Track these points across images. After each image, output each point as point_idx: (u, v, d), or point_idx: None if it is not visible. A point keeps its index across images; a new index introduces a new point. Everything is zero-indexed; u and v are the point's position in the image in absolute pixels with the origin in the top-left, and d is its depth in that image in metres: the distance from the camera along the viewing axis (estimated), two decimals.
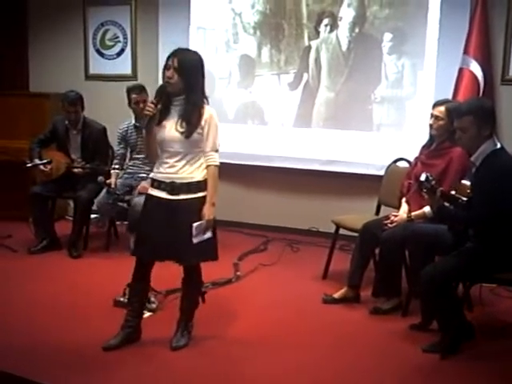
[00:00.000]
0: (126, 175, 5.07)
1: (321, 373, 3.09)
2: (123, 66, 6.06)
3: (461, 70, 4.75)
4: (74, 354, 3.19)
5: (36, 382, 2.89)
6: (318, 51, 5.43)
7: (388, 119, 5.29)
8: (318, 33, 5.40)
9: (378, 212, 4.56)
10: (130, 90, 4.96)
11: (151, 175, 3.31)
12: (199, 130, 3.08)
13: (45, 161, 4.93)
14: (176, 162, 3.11)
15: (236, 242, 5.33)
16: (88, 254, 4.96)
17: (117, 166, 5.03)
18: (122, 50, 6.08)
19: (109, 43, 6.12)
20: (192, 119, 3.06)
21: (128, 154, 5.14)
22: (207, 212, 3.09)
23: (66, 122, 5.04)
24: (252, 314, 3.82)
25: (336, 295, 4.01)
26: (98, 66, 6.19)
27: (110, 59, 6.14)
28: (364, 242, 3.98)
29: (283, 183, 5.72)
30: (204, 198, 3.11)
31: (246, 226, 5.73)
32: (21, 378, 2.92)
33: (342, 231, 4.46)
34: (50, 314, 3.71)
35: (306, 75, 5.49)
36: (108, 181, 4.86)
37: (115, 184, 4.88)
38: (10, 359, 3.09)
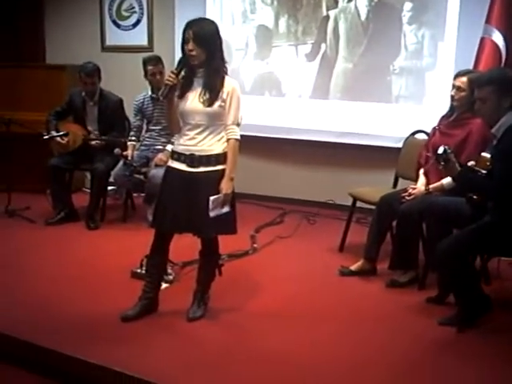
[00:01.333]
0: (142, 147, 5.07)
1: (336, 345, 3.09)
2: (139, 36, 6.02)
3: (482, 40, 4.63)
4: (91, 324, 3.22)
5: (51, 350, 2.94)
6: (336, 21, 5.35)
7: (407, 91, 5.21)
8: (336, 2, 5.32)
9: (395, 185, 4.52)
10: (146, 62, 4.93)
11: (171, 147, 3.30)
12: (221, 103, 3.05)
13: (62, 133, 4.94)
14: (197, 134, 3.09)
15: (253, 214, 5.32)
16: (105, 226, 4.99)
17: (133, 138, 5.03)
18: (138, 21, 6.04)
19: (125, 14, 6.08)
20: (214, 86, 3.03)
21: (144, 126, 5.14)
22: (225, 186, 3.08)
23: (83, 94, 5.03)
24: (268, 286, 3.82)
25: (352, 268, 4.00)
26: (114, 37, 6.15)
27: (126, 30, 6.10)
28: (381, 215, 3.96)
29: (300, 155, 5.69)
30: (223, 171, 3.10)
31: (262, 199, 5.72)
32: (34, 344, 2.98)
33: (358, 204, 4.44)
34: (66, 284, 3.75)
35: (323, 46, 5.42)
36: (125, 153, 4.86)
37: (132, 156, 4.89)
38: (27, 328, 3.13)
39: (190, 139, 3.10)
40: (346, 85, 5.39)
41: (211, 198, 3.04)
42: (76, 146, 4.99)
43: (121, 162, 4.87)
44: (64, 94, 5.33)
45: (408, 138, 4.60)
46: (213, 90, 3.03)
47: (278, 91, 5.66)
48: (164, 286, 3.57)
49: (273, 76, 5.65)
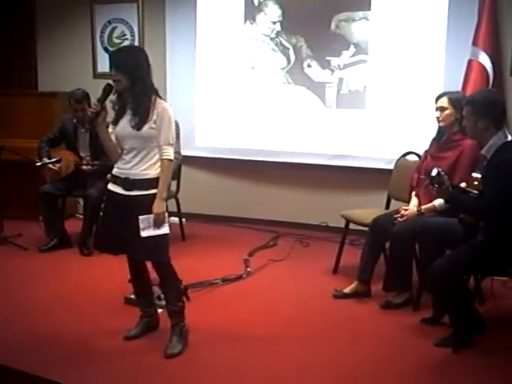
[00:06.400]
0: None
1: (332, 368, 3.08)
2: None
3: (470, 62, 4.71)
4: (85, 350, 3.20)
5: (47, 380, 2.91)
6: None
7: (396, 113, 5.26)
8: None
9: (387, 206, 4.54)
10: None
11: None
12: (152, 125, 3.07)
13: (54, 159, 4.95)
14: (131, 158, 3.13)
15: (246, 237, 5.33)
16: (98, 252, 4.95)
17: None
18: None
19: (116, 41, 6.12)
20: (141, 110, 3.06)
21: None
22: (155, 206, 3.07)
23: (74, 121, 5.05)
24: (263, 310, 3.81)
25: (347, 290, 4.00)
26: (106, 64, 6.08)
27: None
28: (374, 237, 3.97)
29: (292, 178, 5.71)
30: (156, 194, 3.09)
31: (255, 222, 5.73)
32: (31, 375, 2.95)
33: (351, 226, 4.44)
34: (60, 311, 3.73)
35: (309, 70, 5.47)
36: None
37: None
38: (19, 356, 3.11)
39: (125, 163, 3.15)
40: (336, 108, 5.45)
41: (140, 217, 3.05)
42: (68, 172, 4.99)
43: None
44: (56, 121, 5.34)
45: (399, 159, 4.63)
46: (140, 114, 3.07)
47: (269, 115, 5.69)
48: (159, 310, 3.55)
49: (263, 102, 5.69)
